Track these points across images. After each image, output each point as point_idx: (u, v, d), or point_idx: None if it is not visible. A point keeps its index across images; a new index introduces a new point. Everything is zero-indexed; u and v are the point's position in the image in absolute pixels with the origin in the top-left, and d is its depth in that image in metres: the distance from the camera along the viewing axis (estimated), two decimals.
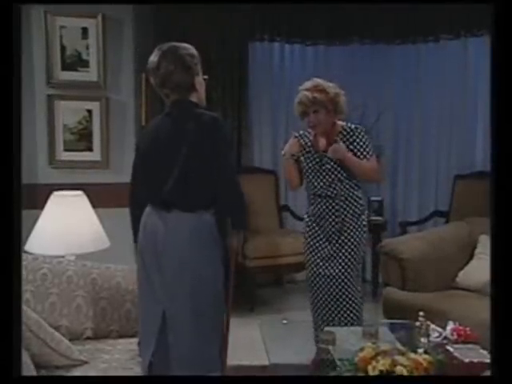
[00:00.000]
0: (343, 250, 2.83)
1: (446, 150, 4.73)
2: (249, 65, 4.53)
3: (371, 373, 1.75)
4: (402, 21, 4.46)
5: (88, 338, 2.27)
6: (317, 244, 2.90)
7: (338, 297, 2.83)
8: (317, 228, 2.89)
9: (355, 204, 2.84)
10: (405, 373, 1.70)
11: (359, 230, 2.84)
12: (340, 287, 2.83)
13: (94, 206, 2.86)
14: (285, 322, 2.66)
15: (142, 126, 3.98)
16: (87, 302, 2.29)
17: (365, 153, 2.79)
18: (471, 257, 3.33)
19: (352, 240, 2.83)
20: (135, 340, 2.22)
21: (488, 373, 1.74)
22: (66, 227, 2.69)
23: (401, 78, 4.73)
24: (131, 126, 3.77)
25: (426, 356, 1.85)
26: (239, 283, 4.04)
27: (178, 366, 2.02)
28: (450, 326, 2.23)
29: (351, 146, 2.79)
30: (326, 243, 2.86)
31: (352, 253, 2.82)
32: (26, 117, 3.40)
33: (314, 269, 2.90)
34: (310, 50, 4.75)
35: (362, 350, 1.85)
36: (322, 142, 2.84)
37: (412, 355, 1.81)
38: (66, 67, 3.58)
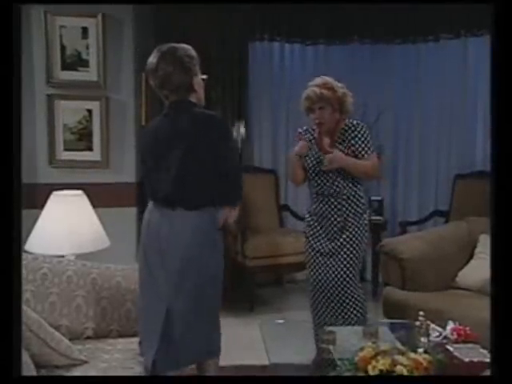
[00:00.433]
0: (345, 249, 2.83)
1: (446, 149, 4.73)
2: (249, 64, 4.53)
3: (371, 372, 1.75)
4: (402, 20, 4.46)
5: (88, 338, 2.28)
6: (318, 243, 2.90)
7: (340, 295, 2.84)
8: (318, 227, 2.90)
9: (357, 203, 2.85)
10: (405, 372, 1.70)
11: (361, 228, 2.84)
12: (342, 286, 2.83)
13: (93, 206, 2.86)
14: (280, 321, 2.66)
15: (142, 125, 3.98)
16: (87, 301, 2.29)
17: (366, 148, 2.81)
18: (471, 256, 3.33)
19: (354, 239, 2.83)
20: (135, 339, 2.22)
21: (488, 372, 1.74)
22: (65, 227, 2.69)
23: (401, 78, 4.73)
24: (131, 126, 3.77)
25: (426, 356, 1.85)
26: (239, 283, 4.07)
27: (183, 358, 2.11)
28: (450, 325, 2.23)
29: (352, 141, 2.81)
30: (328, 242, 2.87)
31: (354, 251, 2.83)
32: (26, 116, 3.40)
33: (316, 267, 2.91)
34: (309, 49, 4.75)
35: (362, 349, 1.85)
36: (326, 141, 2.84)
37: (412, 355, 1.81)
38: (65, 67, 3.58)
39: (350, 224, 2.82)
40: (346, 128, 2.84)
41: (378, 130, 4.57)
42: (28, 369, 1.72)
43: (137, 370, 2.02)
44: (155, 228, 2.12)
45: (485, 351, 2.02)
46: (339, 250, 2.83)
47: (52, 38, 3.55)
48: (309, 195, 2.99)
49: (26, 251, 2.57)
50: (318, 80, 2.85)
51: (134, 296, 2.33)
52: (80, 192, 2.85)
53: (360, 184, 2.88)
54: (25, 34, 3.42)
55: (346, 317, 2.81)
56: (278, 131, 4.83)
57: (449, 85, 4.63)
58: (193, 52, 2.23)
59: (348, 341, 2.20)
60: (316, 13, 4.39)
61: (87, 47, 3.59)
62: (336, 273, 2.83)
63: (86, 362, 2.03)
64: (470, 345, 2.09)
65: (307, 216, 2.99)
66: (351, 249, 2.83)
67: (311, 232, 2.93)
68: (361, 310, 2.85)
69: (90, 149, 3.66)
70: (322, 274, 2.88)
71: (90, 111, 3.64)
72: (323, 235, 2.88)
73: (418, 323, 2.19)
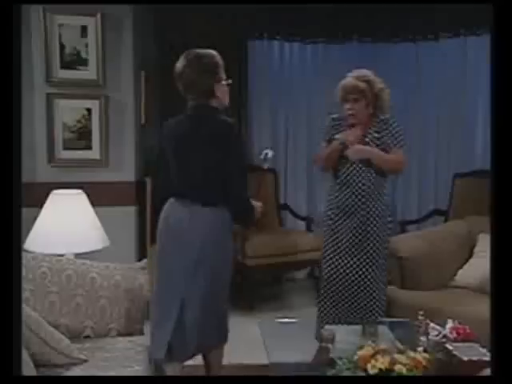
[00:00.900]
0: (365, 245, 2.79)
1: (446, 148, 4.73)
2: (248, 63, 4.52)
3: (370, 371, 1.75)
4: (402, 19, 4.46)
5: (87, 337, 2.28)
6: (340, 237, 2.84)
7: (357, 293, 2.80)
8: (340, 221, 2.85)
9: (382, 196, 2.83)
10: (404, 371, 1.70)
11: (384, 223, 2.82)
12: (362, 283, 2.79)
13: (93, 205, 2.86)
14: (280, 320, 2.66)
15: (142, 124, 3.98)
16: (87, 300, 2.29)
17: (395, 142, 2.81)
18: (470, 255, 3.33)
19: (375, 235, 2.80)
20: (135, 338, 2.22)
21: (487, 371, 1.74)
22: (65, 226, 2.69)
23: (400, 77, 4.72)
24: (131, 125, 3.77)
25: (425, 354, 1.85)
26: (239, 282, 4.07)
27: (195, 344, 2.30)
28: (449, 324, 2.23)
29: (383, 133, 2.81)
30: (350, 235, 2.82)
31: (375, 248, 2.79)
32: (25, 115, 3.39)
33: (336, 263, 2.85)
34: (309, 48, 4.75)
35: (361, 348, 1.85)
36: (355, 132, 2.81)
37: (411, 354, 1.81)
38: (64, 65, 3.57)
39: (372, 219, 2.80)
40: (378, 120, 2.83)
41: None
42: (28, 368, 1.72)
43: (136, 368, 2.02)
44: (174, 222, 2.31)
45: (484, 350, 2.02)
46: (362, 245, 2.79)
47: (51, 37, 3.54)
48: (330, 188, 2.95)
49: (25, 250, 2.57)
50: (356, 72, 2.85)
51: (134, 295, 2.33)
52: (79, 191, 2.85)
53: (385, 178, 2.86)
54: (23, 32, 3.41)
55: (362, 316, 2.76)
56: (277, 129, 4.83)
57: (448, 84, 4.63)
58: (218, 59, 2.37)
59: (347, 339, 2.20)
60: (315, 11, 4.39)
61: (86, 46, 3.58)
62: (358, 269, 2.79)
63: (85, 361, 2.03)
64: (469, 344, 2.09)
65: (327, 210, 2.93)
66: (372, 245, 2.79)
67: (332, 226, 2.87)
68: (378, 312, 2.80)
69: (90, 147, 3.65)
70: (342, 271, 2.82)
71: (89, 110, 3.64)
72: (345, 229, 2.82)
73: (417, 322, 2.19)
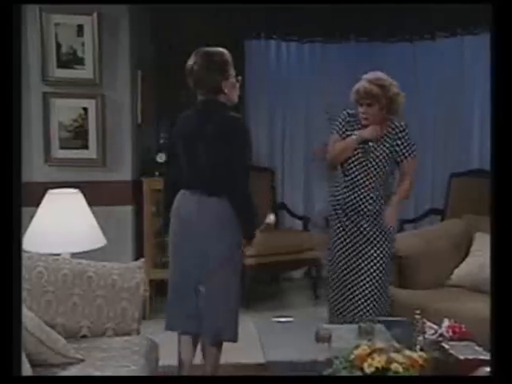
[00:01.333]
0: (372, 245, 2.83)
1: (442, 147, 4.74)
2: (245, 63, 4.52)
3: (367, 370, 1.75)
4: (399, 19, 4.46)
5: (84, 336, 2.27)
6: (345, 236, 2.87)
7: (365, 293, 2.83)
8: (345, 219, 2.87)
9: (389, 197, 2.85)
10: (400, 370, 1.71)
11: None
12: (371, 283, 2.82)
13: (89, 204, 2.85)
14: (276, 319, 2.68)
15: (138, 123, 3.98)
16: (83, 300, 2.29)
17: (407, 153, 2.84)
18: (467, 254, 3.34)
19: (381, 236, 2.83)
20: (131, 338, 2.22)
21: (483, 370, 1.75)
22: (61, 225, 2.68)
23: (397, 76, 4.71)
24: (127, 124, 3.76)
25: (422, 353, 1.85)
26: None
27: (204, 332, 2.45)
28: (446, 323, 2.23)
29: (398, 142, 2.83)
30: (358, 232, 2.85)
31: (382, 249, 2.83)
32: (21, 114, 3.39)
33: (342, 262, 2.88)
34: (306, 47, 4.75)
35: (357, 347, 1.85)
36: (368, 130, 2.83)
37: (407, 352, 1.81)
38: (61, 65, 3.56)
39: (379, 219, 2.82)
40: (393, 127, 2.85)
41: None
42: (24, 368, 1.71)
43: (133, 368, 2.02)
44: (184, 213, 2.43)
45: (480, 349, 2.03)
46: (369, 245, 2.82)
47: (47, 36, 3.53)
48: (336, 185, 2.97)
49: None
50: (371, 75, 2.86)
51: (130, 294, 2.33)
52: (76, 190, 2.84)
53: (394, 179, 2.90)
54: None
55: (368, 314, 2.80)
56: (274, 129, 4.83)
57: (445, 83, 4.64)
58: (227, 56, 2.49)
59: (344, 338, 2.20)
60: (312, 11, 4.39)
61: (83, 45, 3.57)
62: (366, 269, 2.82)
63: (81, 361, 2.03)
64: (465, 342, 2.09)
65: (334, 208, 2.95)
66: (383, 245, 2.82)
67: (338, 225, 2.90)
68: (384, 310, 2.84)
69: (86, 147, 3.65)
70: (349, 270, 2.86)
71: (85, 109, 3.63)
72: (354, 229, 2.86)
73: (413, 321, 2.20)
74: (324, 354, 2.06)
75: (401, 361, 1.74)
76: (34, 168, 3.59)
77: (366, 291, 2.84)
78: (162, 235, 3.54)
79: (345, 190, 2.89)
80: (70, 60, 3.58)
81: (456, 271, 3.27)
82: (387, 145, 2.84)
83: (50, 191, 2.79)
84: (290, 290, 4.54)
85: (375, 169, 2.82)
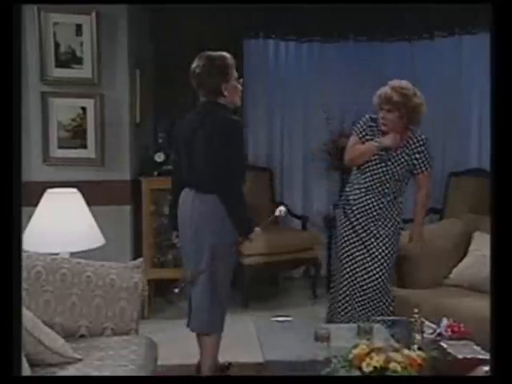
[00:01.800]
0: (377, 247, 2.88)
1: (441, 147, 4.73)
2: (244, 62, 4.52)
3: (365, 369, 1.75)
4: (397, 18, 4.46)
5: (82, 336, 2.27)
6: (352, 235, 2.92)
7: (368, 290, 2.87)
8: (353, 220, 2.92)
9: (398, 203, 2.93)
10: (399, 369, 1.71)
11: (397, 229, 2.93)
12: (374, 278, 2.87)
13: (88, 204, 2.85)
14: (275, 319, 2.69)
15: (137, 123, 3.97)
16: (82, 299, 2.28)
17: (424, 167, 2.89)
18: (465, 253, 3.34)
19: (387, 239, 2.89)
20: (130, 337, 2.22)
21: (481, 369, 1.75)
22: (60, 225, 2.68)
23: (395, 76, 4.71)
24: (126, 124, 3.76)
25: (420, 352, 1.86)
26: (234, 280, 4.06)
27: (192, 320, 2.64)
28: (444, 322, 2.24)
29: (417, 155, 2.86)
30: (364, 234, 2.90)
31: (387, 251, 2.89)
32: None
33: (347, 260, 2.93)
34: (305, 47, 4.75)
35: (356, 346, 1.85)
36: (389, 138, 2.86)
37: (406, 352, 1.82)
38: (59, 64, 3.55)
39: (387, 222, 2.88)
40: (414, 138, 2.87)
41: None
42: (22, 368, 1.71)
43: (131, 367, 2.02)
44: (183, 209, 2.60)
45: (478, 348, 2.03)
46: (375, 247, 2.88)
47: (45, 36, 3.52)
48: (348, 187, 3.01)
49: None
50: (396, 82, 2.86)
51: (129, 294, 2.33)
52: (74, 190, 2.84)
53: (406, 185, 2.96)
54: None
55: (374, 312, 2.86)
56: (273, 128, 4.83)
57: (444, 83, 4.64)
58: (229, 61, 2.58)
59: (343, 338, 2.21)
60: (311, 11, 4.39)
61: (81, 44, 3.57)
62: (373, 268, 2.86)
63: (80, 360, 2.02)
64: (463, 342, 2.10)
65: (342, 209, 2.98)
66: (389, 247, 2.88)
67: (346, 223, 2.94)
68: (388, 310, 2.89)
69: (85, 146, 3.64)
70: (354, 269, 2.91)
71: (84, 109, 3.63)
72: (358, 228, 2.90)
73: (412, 320, 2.20)
74: (323, 354, 2.06)
75: (399, 360, 1.75)
76: (32, 167, 3.58)
77: (370, 290, 2.87)
78: (165, 233, 3.77)
79: (357, 191, 2.93)
80: (69, 59, 3.58)
81: (455, 270, 3.27)
82: (405, 156, 2.88)
83: (49, 191, 2.79)
84: (288, 290, 4.54)
85: (390, 176, 2.87)
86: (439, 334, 2.19)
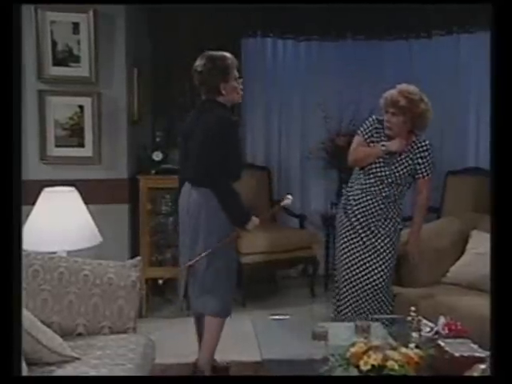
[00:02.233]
0: (377, 247, 2.89)
1: (438, 145, 4.73)
2: (241, 61, 4.51)
3: (363, 367, 1.76)
4: (395, 17, 4.46)
5: (80, 335, 2.27)
6: (353, 235, 2.92)
7: (370, 290, 2.88)
8: (354, 220, 2.92)
9: (399, 205, 2.93)
10: (396, 367, 1.71)
11: (396, 229, 2.92)
12: (375, 277, 2.87)
13: (85, 202, 2.85)
14: (273, 317, 2.70)
15: (134, 121, 3.97)
16: (79, 298, 2.28)
17: (429, 171, 2.89)
18: (463, 252, 3.35)
19: (388, 239, 2.89)
20: (127, 336, 2.22)
21: (479, 367, 1.75)
22: (57, 223, 2.68)
23: (393, 74, 4.73)
24: (123, 122, 3.75)
25: (418, 351, 1.86)
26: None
27: (194, 304, 2.79)
28: (442, 320, 2.24)
29: (419, 160, 2.87)
30: (364, 234, 2.91)
31: (388, 251, 2.89)
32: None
33: (347, 260, 2.93)
34: (302, 45, 4.74)
35: (353, 345, 1.86)
36: (396, 143, 2.86)
37: (403, 350, 1.82)
38: (57, 62, 3.55)
39: (387, 223, 2.88)
40: (418, 143, 2.87)
41: None
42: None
43: (129, 366, 2.02)
44: (181, 202, 2.73)
45: (475, 346, 2.03)
46: (375, 248, 2.88)
47: (42, 34, 3.52)
48: (350, 187, 3.00)
49: None
50: (404, 86, 2.84)
51: (126, 292, 2.33)
52: (72, 188, 2.84)
53: (408, 188, 2.95)
54: None
55: (373, 310, 2.86)
56: (271, 127, 4.83)
57: (441, 81, 4.64)
58: (230, 61, 2.66)
59: (340, 336, 2.21)
60: (309, 9, 4.38)
61: (78, 43, 3.56)
62: (374, 267, 2.86)
63: (77, 359, 2.02)
64: (460, 340, 2.10)
65: (343, 208, 2.98)
66: (389, 247, 2.88)
67: (347, 223, 2.94)
68: (388, 309, 2.89)
69: (82, 145, 3.64)
70: (354, 269, 2.91)
71: (81, 107, 3.62)
72: (359, 227, 2.90)
73: (409, 318, 2.20)
74: (321, 352, 2.06)
75: (397, 358, 1.75)
76: (29, 166, 3.58)
77: (372, 289, 2.87)
78: (162, 232, 3.90)
79: (359, 191, 2.92)
80: (66, 58, 3.57)
81: (452, 269, 3.27)
82: (409, 161, 2.88)
83: (46, 189, 2.79)
84: (286, 288, 4.54)
85: (393, 180, 2.87)
86: (436, 333, 2.19)
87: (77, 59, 3.57)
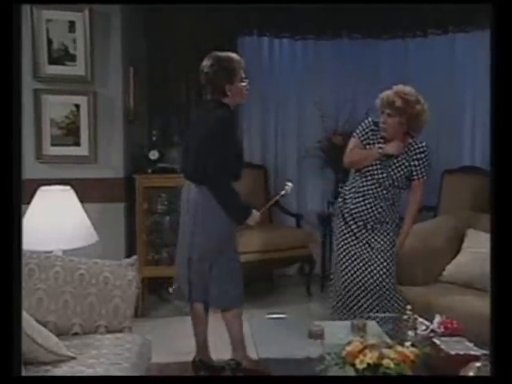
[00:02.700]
0: (374, 249, 2.88)
1: (434, 144, 4.74)
2: None
3: (359, 366, 1.76)
4: (391, 16, 4.46)
5: (76, 334, 2.26)
6: (350, 238, 2.91)
7: (374, 290, 2.86)
8: (351, 222, 2.90)
9: (396, 207, 2.92)
10: (392, 366, 1.71)
11: (394, 230, 2.92)
12: (376, 278, 2.86)
13: (81, 201, 2.84)
14: (269, 316, 2.70)
15: (130, 120, 3.96)
16: (75, 297, 2.28)
17: (424, 174, 2.88)
18: (458, 251, 3.35)
19: (385, 239, 2.88)
20: (123, 335, 2.21)
21: (473, 365, 1.76)
22: (53, 222, 2.67)
23: (389, 73, 4.74)
24: (119, 121, 3.74)
25: (413, 349, 1.86)
26: None
27: (193, 296, 2.79)
28: (437, 319, 2.25)
29: (415, 162, 2.85)
30: (362, 237, 2.89)
31: (386, 251, 2.88)
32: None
33: (346, 262, 2.92)
34: (299, 44, 4.74)
35: (349, 343, 1.86)
36: (393, 146, 2.85)
37: (399, 348, 1.82)
38: (52, 61, 3.54)
39: (386, 224, 2.88)
40: (414, 145, 2.86)
41: None
42: None
43: (124, 365, 2.01)
44: (183, 195, 2.78)
45: (471, 344, 2.04)
46: (372, 249, 2.87)
47: (38, 32, 3.50)
48: (346, 189, 2.99)
49: None
50: (400, 87, 2.83)
51: (122, 291, 2.32)
52: (67, 187, 2.83)
53: (404, 190, 2.94)
54: None
55: (381, 306, 2.85)
56: (267, 126, 4.82)
57: (437, 80, 4.64)
58: (235, 62, 2.69)
59: (336, 335, 2.21)
60: (305, 8, 4.38)
61: (74, 41, 3.55)
62: (375, 265, 2.86)
63: (73, 358, 2.02)
64: (456, 338, 2.11)
65: (340, 211, 2.96)
66: (388, 247, 2.87)
67: (343, 227, 2.93)
68: (398, 303, 2.86)
69: (78, 144, 3.63)
70: (352, 270, 2.90)
71: (77, 106, 3.61)
72: (356, 231, 2.89)
73: (405, 317, 2.21)
74: (317, 351, 2.06)
75: (392, 356, 1.75)
76: (25, 165, 3.56)
77: (375, 288, 2.86)
78: (158, 231, 3.87)
79: (356, 194, 2.90)
80: (62, 56, 3.56)
81: (448, 268, 3.28)
82: (405, 163, 2.87)
83: (42, 188, 2.78)
84: (282, 287, 4.55)
85: (389, 183, 2.85)
86: (432, 331, 2.20)
87: (72, 58, 3.56)
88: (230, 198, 2.65)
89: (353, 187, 2.94)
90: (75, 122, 3.61)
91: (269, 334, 2.47)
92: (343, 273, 2.93)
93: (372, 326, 2.36)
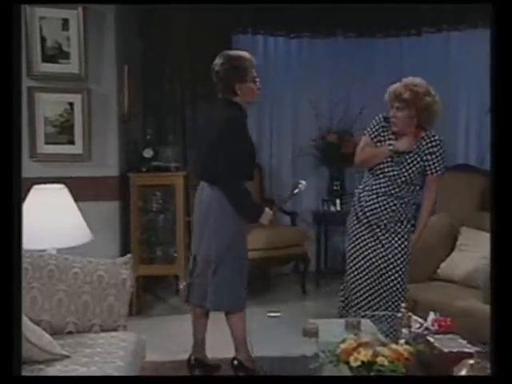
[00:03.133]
0: (393, 242, 2.83)
1: None
2: None
3: (353, 364, 1.76)
4: (386, 14, 4.47)
5: (70, 333, 2.26)
6: (364, 237, 2.86)
7: (383, 283, 2.82)
8: (365, 221, 2.85)
9: (411, 205, 2.83)
10: (386, 363, 1.72)
11: (408, 228, 2.86)
12: (390, 274, 2.81)
13: (75, 200, 2.83)
14: (266, 314, 2.69)
15: (125, 119, 3.95)
16: (69, 296, 2.27)
17: (438, 169, 2.78)
18: (452, 249, 3.37)
19: (399, 237, 2.83)
20: (117, 334, 2.21)
21: (467, 362, 1.77)
22: (47, 221, 2.66)
23: (384, 72, 4.74)
24: (113, 119, 3.73)
25: (407, 347, 1.87)
26: None
27: (194, 297, 2.77)
28: (431, 316, 2.25)
29: (428, 157, 2.76)
30: (375, 237, 2.84)
31: (400, 249, 2.83)
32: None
33: (358, 261, 2.88)
34: (293, 42, 4.74)
35: (344, 341, 1.86)
36: (404, 142, 2.78)
37: (393, 346, 1.83)
38: (46, 59, 3.52)
39: (400, 223, 2.81)
40: (427, 139, 2.77)
41: (362, 122, 4.58)
42: None
43: (119, 364, 2.01)
44: (196, 197, 2.81)
45: (464, 342, 2.05)
46: (386, 249, 2.82)
47: (31, 30, 3.49)
48: (361, 188, 2.93)
49: None
50: (410, 79, 2.76)
51: (117, 290, 2.32)
52: (61, 186, 2.82)
53: (421, 189, 2.87)
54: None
55: (385, 303, 2.80)
56: (261, 125, 4.83)
57: (431, 79, 4.63)
58: (247, 61, 2.68)
59: (331, 333, 2.21)
60: (300, 6, 4.38)
61: (68, 39, 3.53)
62: (386, 264, 2.81)
63: (67, 357, 2.01)
64: (450, 336, 2.11)
65: (354, 210, 2.91)
66: (402, 245, 2.82)
67: (357, 225, 2.87)
68: (400, 300, 2.81)
69: (72, 142, 3.62)
70: (365, 270, 2.85)
71: (71, 104, 3.60)
72: (369, 230, 2.84)
73: (399, 315, 2.22)
74: (311, 349, 2.07)
75: (386, 354, 1.76)
76: None
77: (390, 289, 2.82)
78: (153, 229, 3.90)
79: (369, 193, 2.84)
80: (56, 54, 3.54)
81: (442, 265, 3.30)
82: (418, 158, 2.78)
83: (36, 187, 2.77)
84: (278, 286, 4.55)
85: (404, 180, 2.77)
86: (426, 329, 2.21)
87: (66, 56, 3.55)
88: (242, 197, 2.64)
89: (366, 186, 2.88)
90: (69, 120, 3.60)
91: (264, 332, 2.47)
92: (355, 272, 2.88)
93: (366, 323, 2.36)
